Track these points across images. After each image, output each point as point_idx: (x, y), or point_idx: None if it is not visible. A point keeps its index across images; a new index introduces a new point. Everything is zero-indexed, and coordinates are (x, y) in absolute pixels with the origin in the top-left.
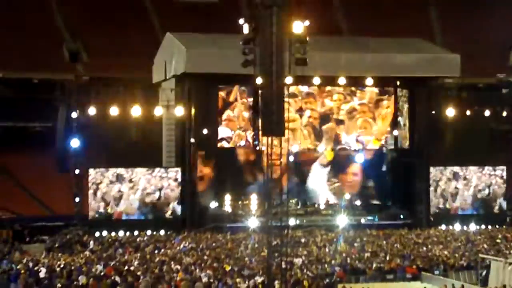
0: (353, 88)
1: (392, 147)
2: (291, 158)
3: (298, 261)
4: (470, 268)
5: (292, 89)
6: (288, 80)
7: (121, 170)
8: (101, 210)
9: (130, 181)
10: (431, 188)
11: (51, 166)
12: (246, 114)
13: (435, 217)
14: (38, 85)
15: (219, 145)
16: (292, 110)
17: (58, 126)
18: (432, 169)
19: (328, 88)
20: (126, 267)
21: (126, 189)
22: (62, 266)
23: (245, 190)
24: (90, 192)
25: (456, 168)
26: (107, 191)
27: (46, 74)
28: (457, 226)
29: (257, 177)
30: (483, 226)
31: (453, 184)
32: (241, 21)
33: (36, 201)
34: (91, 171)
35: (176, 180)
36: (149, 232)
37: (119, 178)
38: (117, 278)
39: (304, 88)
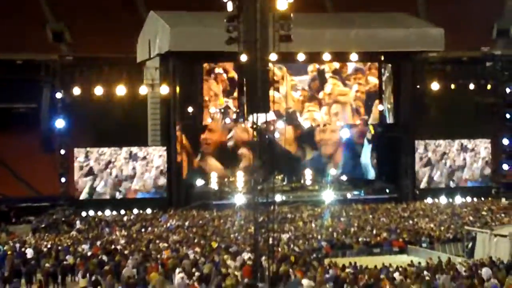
0: None
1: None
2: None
3: (285, 236)
4: (456, 241)
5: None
6: (273, 56)
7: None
8: (88, 190)
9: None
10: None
11: (36, 146)
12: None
13: (421, 191)
14: (22, 66)
15: (204, 122)
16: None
17: (42, 107)
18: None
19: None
20: (113, 246)
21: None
22: (49, 246)
23: (233, 167)
24: (77, 171)
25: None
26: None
27: (30, 55)
28: (442, 199)
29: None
30: (468, 199)
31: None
32: None
33: (21, 182)
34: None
35: (161, 158)
36: (135, 211)
37: (103, 158)
38: (104, 257)
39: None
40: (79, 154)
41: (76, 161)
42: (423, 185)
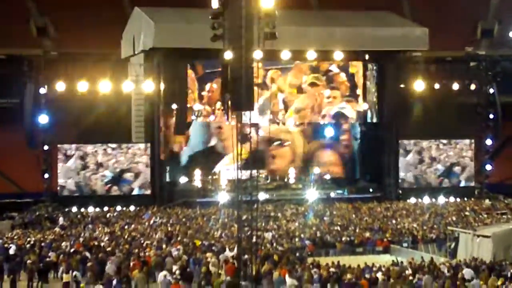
0: None
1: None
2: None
3: (268, 235)
4: (439, 241)
5: None
6: (257, 54)
7: (94, 146)
8: (71, 186)
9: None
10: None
11: (20, 142)
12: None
13: (404, 190)
14: (5, 61)
15: (188, 120)
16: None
17: (26, 102)
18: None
19: None
20: (96, 243)
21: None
22: (32, 242)
23: (215, 165)
24: (60, 167)
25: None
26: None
27: (14, 50)
28: (425, 199)
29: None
30: (451, 199)
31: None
32: None
33: (4, 177)
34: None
35: (145, 155)
36: (118, 208)
37: (87, 155)
38: (87, 254)
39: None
40: (63, 150)
41: (60, 157)
42: (406, 184)
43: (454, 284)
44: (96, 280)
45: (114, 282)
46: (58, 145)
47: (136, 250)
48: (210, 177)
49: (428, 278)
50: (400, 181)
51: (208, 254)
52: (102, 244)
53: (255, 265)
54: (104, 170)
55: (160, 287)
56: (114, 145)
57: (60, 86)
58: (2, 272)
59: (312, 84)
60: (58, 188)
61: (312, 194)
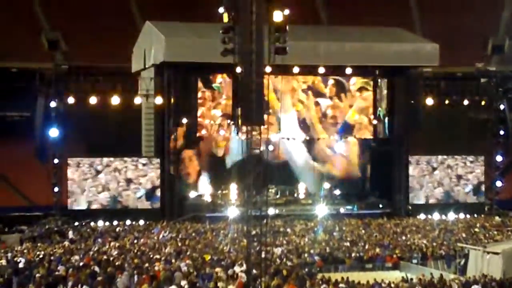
0: None
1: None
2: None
3: (277, 250)
4: (449, 257)
5: None
6: (268, 69)
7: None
8: (81, 200)
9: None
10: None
11: (30, 155)
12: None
13: (414, 206)
14: (17, 74)
15: (198, 134)
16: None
17: (36, 115)
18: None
19: None
20: (105, 257)
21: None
22: (41, 256)
23: (225, 179)
24: (70, 181)
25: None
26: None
27: (25, 63)
28: (435, 216)
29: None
30: (461, 215)
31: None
32: (220, 9)
33: (14, 191)
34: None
35: (154, 169)
36: (128, 222)
37: (99, 168)
38: (96, 268)
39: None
40: (73, 164)
41: (70, 171)
42: (416, 201)
43: None
44: None
45: None
46: (68, 159)
47: (146, 265)
48: (220, 191)
49: None
50: (410, 197)
51: (217, 269)
52: (111, 258)
53: (264, 280)
54: (114, 184)
55: None
56: (124, 159)
57: (71, 99)
58: (11, 286)
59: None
60: (68, 201)
61: (321, 210)
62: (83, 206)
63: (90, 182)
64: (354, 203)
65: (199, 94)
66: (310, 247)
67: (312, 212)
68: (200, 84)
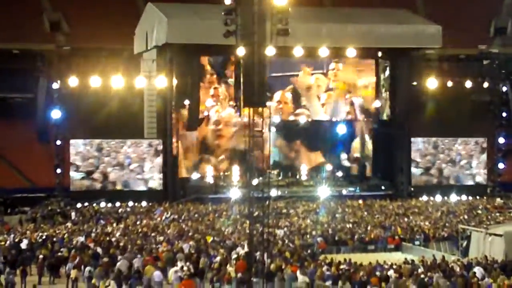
0: None
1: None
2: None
3: (279, 232)
4: (451, 239)
5: None
6: (270, 50)
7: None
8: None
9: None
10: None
11: (32, 137)
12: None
13: (416, 188)
14: (19, 56)
15: (201, 116)
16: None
17: (39, 97)
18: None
19: None
20: (108, 239)
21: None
22: (44, 237)
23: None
24: (72, 162)
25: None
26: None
27: (27, 45)
28: (438, 197)
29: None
30: (463, 197)
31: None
32: None
33: (16, 172)
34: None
35: (157, 150)
36: (130, 203)
37: (100, 149)
38: (99, 249)
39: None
40: (75, 145)
41: (72, 152)
42: (418, 182)
43: (465, 283)
44: (107, 276)
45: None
46: (70, 140)
47: (148, 246)
48: (222, 173)
49: (439, 276)
50: (411, 178)
51: (220, 251)
52: (113, 239)
53: (267, 261)
54: (116, 165)
55: (172, 283)
56: (126, 141)
57: (73, 81)
58: (14, 266)
59: None
60: (70, 183)
61: (324, 191)
62: (85, 187)
63: (92, 163)
64: (356, 185)
65: (207, 77)
66: (312, 228)
67: (315, 194)
68: (208, 67)
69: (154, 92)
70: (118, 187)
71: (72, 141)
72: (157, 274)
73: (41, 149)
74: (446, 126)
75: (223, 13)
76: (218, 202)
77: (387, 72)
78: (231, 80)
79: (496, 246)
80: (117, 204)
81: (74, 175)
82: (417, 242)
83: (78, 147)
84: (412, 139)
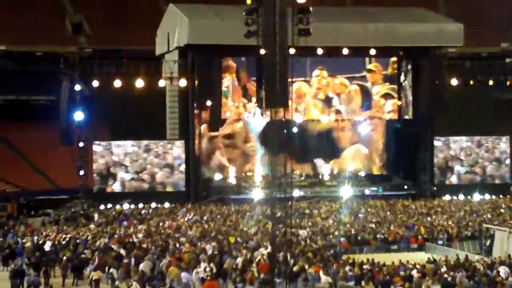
0: None
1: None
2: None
3: (302, 232)
4: (474, 238)
5: None
6: (291, 51)
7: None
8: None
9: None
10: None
11: (55, 139)
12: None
13: (439, 187)
14: (42, 58)
15: (223, 116)
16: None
17: (61, 99)
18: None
19: None
20: (131, 240)
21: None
22: (67, 239)
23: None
24: (95, 164)
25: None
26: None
27: (49, 47)
28: (460, 197)
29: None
30: (487, 196)
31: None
32: None
33: (40, 174)
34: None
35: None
36: (153, 205)
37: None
38: (122, 251)
39: None
40: (98, 147)
41: (95, 154)
42: (441, 182)
43: (489, 282)
44: (130, 277)
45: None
46: (93, 142)
47: (171, 247)
48: (244, 174)
49: (462, 275)
50: (434, 178)
51: (243, 251)
52: (136, 240)
53: (290, 262)
54: (139, 167)
55: (194, 283)
56: (148, 142)
57: (95, 83)
58: (38, 268)
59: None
60: (93, 184)
61: (346, 191)
62: (108, 189)
63: (115, 165)
64: (379, 185)
65: (229, 77)
66: (335, 228)
67: (337, 194)
68: (230, 68)
69: (176, 93)
70: (141, 188)
71: (94, 143)
72: (184, 276)
73: (64, 151)
74: (468, 125)
75: (244, 13)
76: (240, 202)
77: (409, 72)
78: (253, 81)
79: None
80: (140, 205)
81: (96, 176)
82: (440, 242)
83: (100, 148)
84: (434, 138)
